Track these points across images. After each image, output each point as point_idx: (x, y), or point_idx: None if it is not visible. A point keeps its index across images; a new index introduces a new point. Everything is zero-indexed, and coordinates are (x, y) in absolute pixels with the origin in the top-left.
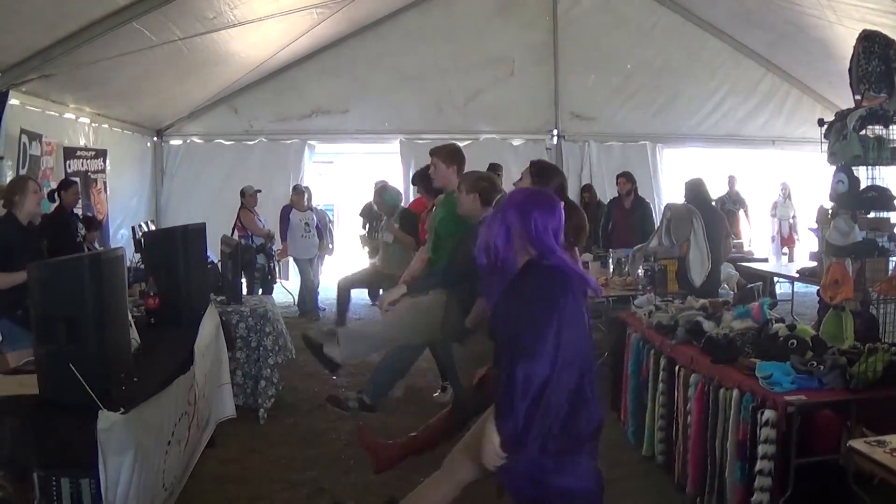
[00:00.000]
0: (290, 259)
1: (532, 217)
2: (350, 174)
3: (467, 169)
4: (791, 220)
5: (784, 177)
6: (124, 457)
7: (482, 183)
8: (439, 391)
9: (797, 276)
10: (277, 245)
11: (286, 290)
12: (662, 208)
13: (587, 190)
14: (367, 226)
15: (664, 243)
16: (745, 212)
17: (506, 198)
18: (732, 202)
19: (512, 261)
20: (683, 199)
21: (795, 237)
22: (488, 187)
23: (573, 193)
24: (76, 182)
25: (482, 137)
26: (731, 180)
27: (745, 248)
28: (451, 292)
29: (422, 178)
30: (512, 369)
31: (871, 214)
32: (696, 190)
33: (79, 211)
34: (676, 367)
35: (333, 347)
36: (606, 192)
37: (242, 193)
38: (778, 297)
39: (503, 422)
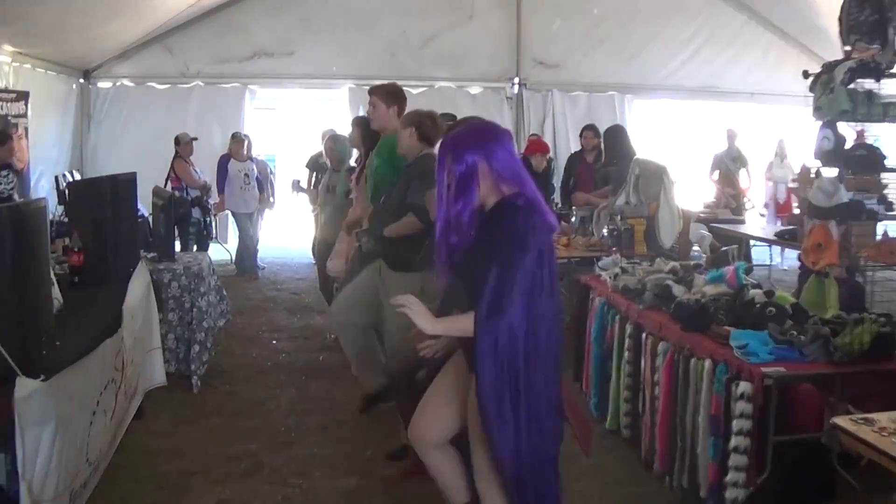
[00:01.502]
0: (228, 213)
1: (496, 150)
2: (294, 122)
3: None
4: (789, 185)
5: (765, 133)
6: (44, 429)
7: (420, 118)
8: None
9: (776, 238)
10: (214, 198)
11: (223, 247)
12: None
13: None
14: (314, 178)
15: (632, 201)
16: (748, 171)
17: (452, 138)
18: (732, 160)
19: (473, 211)
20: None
21: (794, 205)
22: (428, 123)
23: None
24: (11, 137)
25: (437, 85)
26: (731, 135)
27: (747, 210)
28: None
29: (359, 122)
30: (486, 323)
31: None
32: (617, 138)
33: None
34: (643, 335)
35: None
36: (571, 145)
37: (177, 141)
38: (754, 262)
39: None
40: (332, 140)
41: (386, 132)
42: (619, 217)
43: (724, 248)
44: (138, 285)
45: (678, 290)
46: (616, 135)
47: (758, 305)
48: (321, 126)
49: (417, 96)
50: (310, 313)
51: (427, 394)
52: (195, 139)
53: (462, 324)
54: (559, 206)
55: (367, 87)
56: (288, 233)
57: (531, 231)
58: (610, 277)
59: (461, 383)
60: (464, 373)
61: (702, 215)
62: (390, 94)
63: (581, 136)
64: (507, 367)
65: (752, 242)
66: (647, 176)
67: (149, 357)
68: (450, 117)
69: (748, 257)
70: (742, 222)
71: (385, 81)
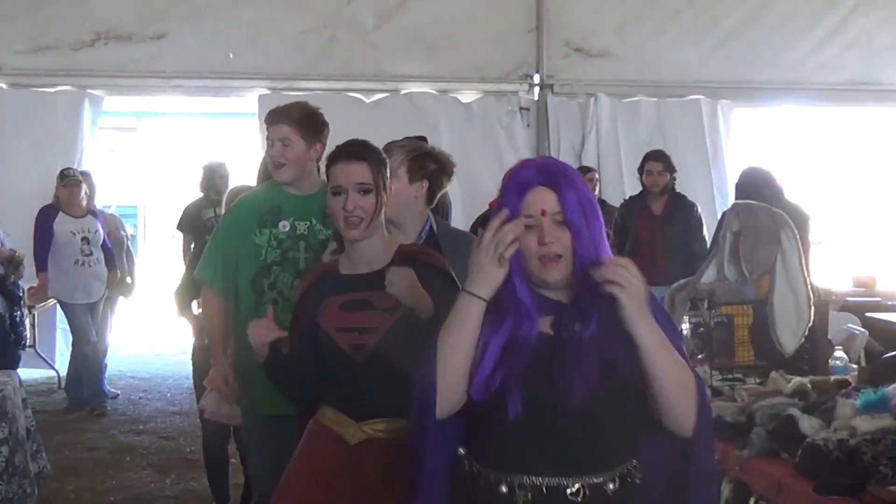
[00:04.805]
0: (55, 303)
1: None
2: (169, 151)
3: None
4: None
5: None
6: None
7: (425, 155)
8: None
9: None
10: (30, 279)
11: (45, 360)
12: (724, 212)
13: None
14: (194, 246)
15: (728, 276)
16: None
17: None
18: None
19: None
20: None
21: None
22: (433, 166)
23: None
24: None
25: (405, 90)
26: None
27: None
28: None
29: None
30: None
31: None
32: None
33: None
34: (752, 501)
35: None
36: (626, 183)
37: None
38: None
39: None
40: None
41: (302, 187)
42: (706, 303)
43: (890, 354)
44: None
45: (809, 424)
46: (754, 185)
47: None
48: (212, 156)
49: (373, 107)
50: (193, 470)
51: None
52: None
53: None
54: None
55: (289, 92)
56: (158, 334)
57: None
58: None
59: None
60: None
61: (850, 299)
62: (310, 124)
63: (642, 170)
64: None
65: None
66: (753, 232)
67: None
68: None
69: None
70: None
71: (317, 86)
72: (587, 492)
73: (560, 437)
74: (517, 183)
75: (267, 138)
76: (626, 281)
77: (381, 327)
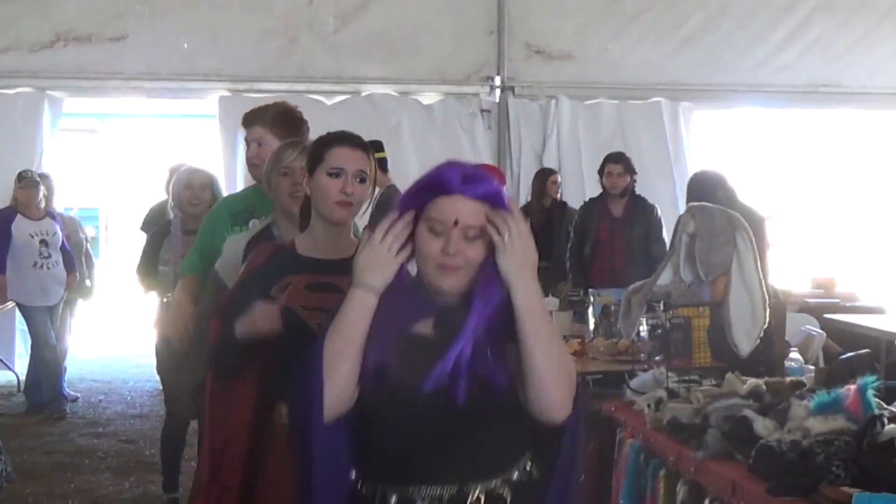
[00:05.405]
0: (13, 306)
1: None
2: (129, 153)
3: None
4: None
5: None
6: None
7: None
8: None
9: None
10: None
11: (4, 363)
12: (680, 214)
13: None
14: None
15: (684, 278)
16: None
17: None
18: None
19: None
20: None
21: None
22: None
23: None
24: None
25: (366, 91)
26: None
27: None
28: None
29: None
30: None
31: None
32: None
33: None
34: (706, 501)
35: None
36: (587, 185)
37: None
38: None
39: None
40: (207, 177)
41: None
42: (661, 305)
43: (846, 356)
44: None
45: (763, 425)
46: (706, 188)
47: None
48: (173, 158)
49: (333, 109)
50: (152, 474)
51: None
52: None
53: None
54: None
55: (249, 94)
56: (119, 337)
57: None
58: (649, 406)
59: None
60: None
61: (809, 301)
62: (284, 122)
63: (602, 172)
64: None
65: None
66: (709, 234)
67: None
68: (377, 146)
69: (895, 370)
70: (882, 311)
71: (278, 88)
72: (485, 498)
73: (451, 442)
74: (437, 183)
75: (244, 139)
76: (510, 232)
77: None
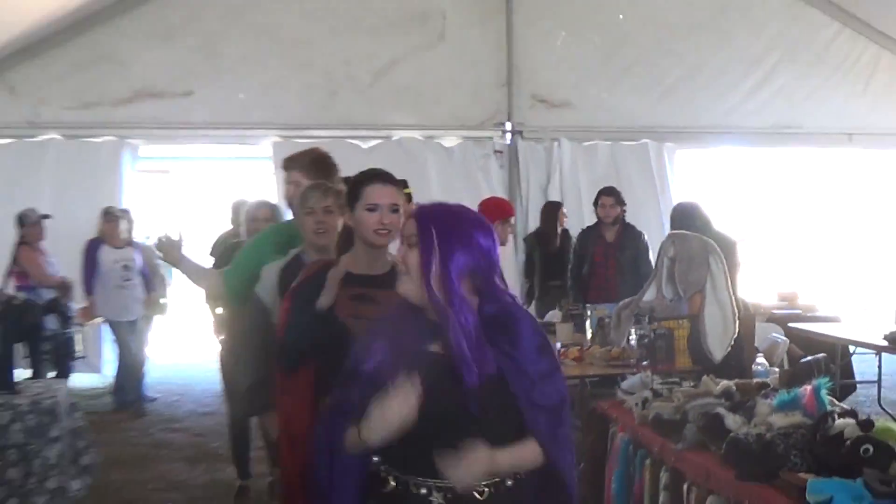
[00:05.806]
0: (102, 322)
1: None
2: (197, 191)
3: None
4: None
5: (871, 188)
6: None
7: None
8: None
9: (888, 345)
10: (80, 301)
11: (94, 369)
12: (662, 241)
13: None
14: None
15: (666, 295)
16: None
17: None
18: None
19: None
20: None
21: None
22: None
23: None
24: None
25: (396, 135)
26: None
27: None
28: None
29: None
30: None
31: None
32: (690, 216)
33: None
34: (685, 486)
35: None
36: (585, 215)
37: (20, 221)
38: (858, 378)
39: None
40: (269, 210)
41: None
42: (647, 319)
43: (806, 359)
44: None
45: (733, 420)
46: (686, 217)
47: (848, 442)
48: (235, 195)
49: (369, 152)
50: (219, 462)
51: None
52: (47, 217)
53: None
54: (570, 300)
55: (298, 139)
56: (190, 347)
57: None
58: (637, 404)
59: None
60: None
61: (776, 311)
62: (318, 167)
63: (596, 203)
64: None
65: (852, 349)
66: (686, 258)
67: None
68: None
69: (848, 371)
70: (837, 320)
71: (322, 134)
72: (492, 489)
73: (462, 440)
74: None
75: (284, 181)
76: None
77: None
